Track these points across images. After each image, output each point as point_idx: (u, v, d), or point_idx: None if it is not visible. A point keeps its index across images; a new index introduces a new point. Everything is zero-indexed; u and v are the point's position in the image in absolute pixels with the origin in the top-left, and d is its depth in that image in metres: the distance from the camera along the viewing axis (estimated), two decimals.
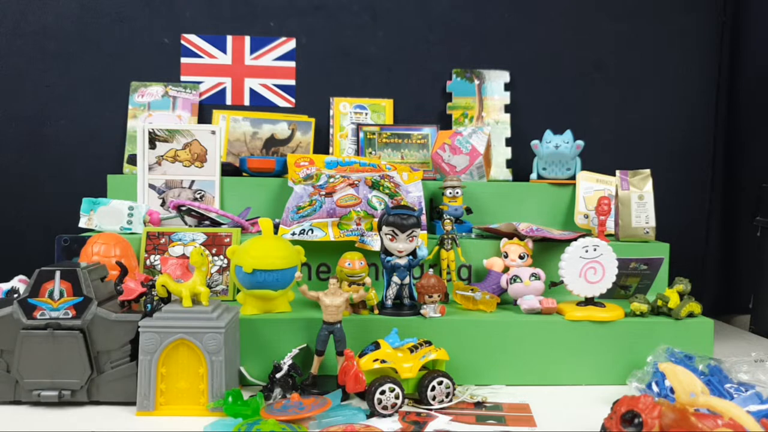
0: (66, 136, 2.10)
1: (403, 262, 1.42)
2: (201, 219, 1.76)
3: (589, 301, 1.46)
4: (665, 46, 2.21)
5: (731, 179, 2.22)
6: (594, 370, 1.41)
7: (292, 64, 2.19)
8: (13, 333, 1.22)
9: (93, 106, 2.11)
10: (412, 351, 1.27)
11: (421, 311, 1.43)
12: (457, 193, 1.76)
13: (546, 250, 1.68)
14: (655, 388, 1.25)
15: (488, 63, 2.20)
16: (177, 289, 1.24)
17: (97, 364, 1.24)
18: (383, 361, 1.24)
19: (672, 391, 1.19)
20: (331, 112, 2.16)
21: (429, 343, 1.31)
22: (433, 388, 1.25)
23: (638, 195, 1.73)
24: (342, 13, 2.18)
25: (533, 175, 1.93)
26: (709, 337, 1.43)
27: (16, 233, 2.07)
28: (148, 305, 1.28)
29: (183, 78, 2.16)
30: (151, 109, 2.10)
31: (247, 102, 2.19)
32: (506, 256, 1.62)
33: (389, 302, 1.46)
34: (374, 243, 1.59)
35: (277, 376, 1.27)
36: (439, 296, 1.44)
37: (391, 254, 1.43)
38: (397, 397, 1.21)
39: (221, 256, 1.62)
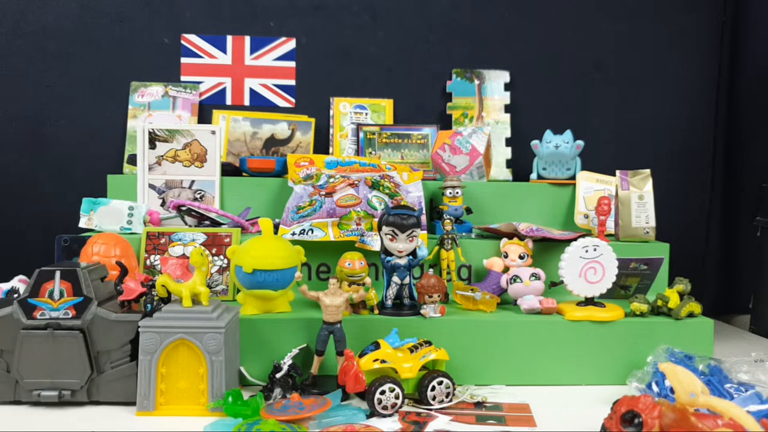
0: (66, 136, 2.10)
1: (403, 262, 1.43)
2: (201, 219, 1.76)
3: (589, 301, 1.46)
4: (665, 46, 2.21)
5: (731, 179, 2.22)
6: (594, 370, 1.41)
7: (292, 64, 2.19)
8: (13, 333, 1.22)
9: (93, 106, 2.11)
10: (412, 351, 1.27)
11: (421, 311, 1.43)
12: (457, 193, 1.76)
13: (546, 250, 1.68)
14: (655, 388, 1.25)
15: (488, 63, 2.20)
16: (177, 289, 1.24)
17: (97, 364, 1.24)
18: (383, 361, 1.24)
19: (672, 391, 1.19)
20: (331, 112, 2.16)
21: (429, 343, 1.31)
22: (433, 388, 1.25)
23: (638, 195, 1.73)
24: (342, 13, 2.18)
25: (533, 175, 1.93)
26: (709, 337, 1.43)
27: (16, 233, 2.07)
28: (148, 305, 1.28)
29: (183, 78, 2.16)
30: (151, 109, 2.10)
31: (247, 102, 2.19)
32: (506, 256, 1.62)
33: (389, 302, 1.46)
34: (374, 243, 1.59)
35: (277, 376, 1.27)
36: (439, 296, 1.44)
37: (391, 254, 1.43)
38: (397, 397, 1.21)
39: (221, 256, 1.62)
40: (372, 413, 1.20)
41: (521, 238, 1.65)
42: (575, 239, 1.46)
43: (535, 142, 1.91)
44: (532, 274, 1.50)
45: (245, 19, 2.17)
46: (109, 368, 1.24)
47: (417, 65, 2.20)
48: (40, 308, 1.22)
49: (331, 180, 1.73)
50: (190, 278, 1.25)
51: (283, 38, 2.18)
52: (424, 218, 1.68)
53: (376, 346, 1.28)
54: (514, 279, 1.51)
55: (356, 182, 1.72)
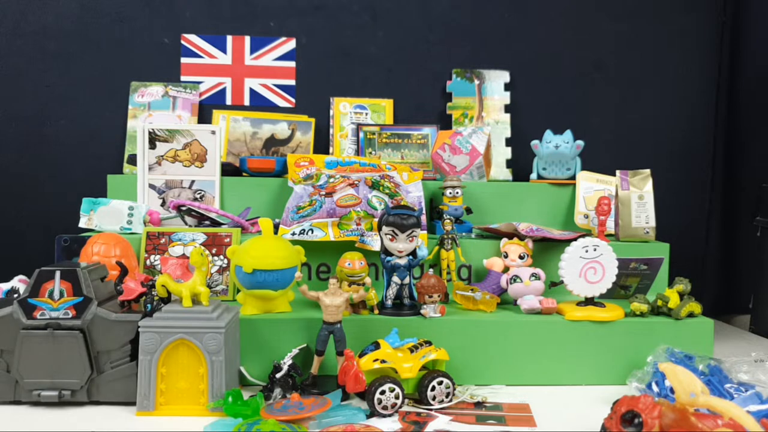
0: (66, 136, 2.10)
1: (403, 262, 1.42)
2: (201, 219, 1.76)
3: (589, 301, 1.46)
4: (665, 46, 2.21)
5: (731, 179, 2.22)
6: (594, 370, 1.41)
7: (292, 64, 2.19)
8: (13, 333, 1.22)
9: (93, 106, 2.11)
10: (412, 351, 1.27)
11: (421, 311, 1.43)
12: (457, 193, 1.76)
13: (546, 250, 1.68)
14: (655, 388, 1.25)
15: (488, 63, 2.20)
16: (177, 289, 1.24)
17: (97, 364, 1.24)
18: (383, 361, 1.24)
19: (672, 391, 1.19)
20: (331, 112, 2.16)
21: (429, 343, 1.31)
22: (433, 388, 1.25)
23: (638, 195, 1.73)
24: (342, 13, 2.18)
25: (533, 175, 1.93)
26: (709, 337, 1.43)
27: (16, 233, 2.07)
28: (148, 305, 1.28)
29: (183, 78, 2.16)
30: (151, 109, 2.10)
31: (247, 102, 2.19)
32: (506, 256, 1.62)
33: (389, 302, 1.46)
34: (374, 243, 1.59)
35: (277, 376, 1.27)
36: (439, 296, 1.44)
37: (391, 254, 1.43)
38: (397, 397, 1.21)
39: (221, 256, 1.62)
40: (372, 413, 1.20)
41: (521, 238, 1.65)
42: (575, 239, 1.46)
43: (535, 142, 1.91)
44: (532, 274, 1.50)
45: (245, 19, 2.17)
46: (109, 368, 1.24)
47: (417, 65, 2.20)
48: (40, 308, 1.22)
49: (331, 180, 1.73)
50: (190, 278, 1.25)
51: (283, 38, 2.18)
52: (424, 218, 1.67)
53: (376, 346, 1.28)
54: (514, 279, 1.51)
55: (356, 182, 1.72)
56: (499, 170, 2.14)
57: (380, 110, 2.18)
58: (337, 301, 1.31)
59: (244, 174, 1.92)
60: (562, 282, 1.44)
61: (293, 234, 1.60)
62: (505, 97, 2.19)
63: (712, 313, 1.86)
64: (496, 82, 2.20)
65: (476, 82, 2.19)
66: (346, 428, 1.13)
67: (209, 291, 1.25)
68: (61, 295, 1.23)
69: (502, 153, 2.16)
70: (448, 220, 1.62)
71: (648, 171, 1.76)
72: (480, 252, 1.68)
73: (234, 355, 1.30)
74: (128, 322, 1.24)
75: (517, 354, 1.40)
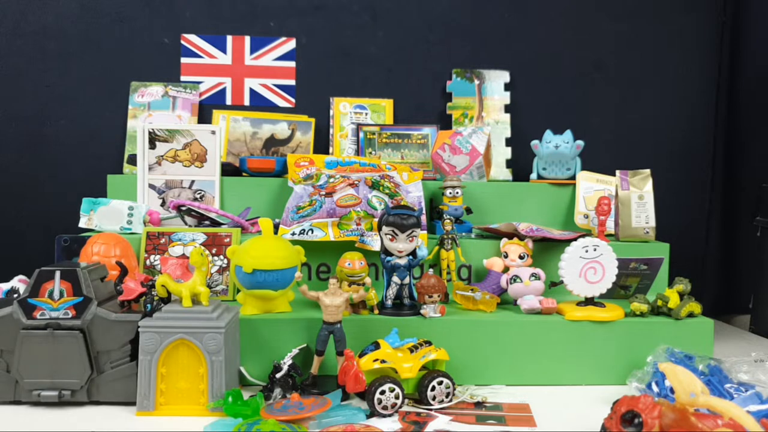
0: (66, 136, 2.10)
1: (403, 262, 1.42)
2: (201, 219, 1.76)
3: (589, 301, 1.46)
4: (665, 46, 2.21)
5: (731, 179, 2.22)
6: (594, 370, 1.41)
7: (292, 64, 2.19)
8: (13, 333, 1.22)
9: (93, 106, 2.11)
10: (412, 351, 1.27)
11: (421, 311, 1.43)
12: (457, 193, 1.76)
13: (546, 250, 1.68)
14: (655, 388, 1.25)
15: (488, 63, 2.20)
16: (177, 289, 1.24)
17: (97, 364, 1.24)
18: (383, 361, 1.24)
19: (672, 391, 1.19)
20: (331, 112, 2.16)
21: (429, 343, 1.31)
22: (433, 388, 1.25)
23: (638, 195, 1.73)
24: (342, 13, 2.18)
25: (533, 175, 1.93)
26: (709, 337, 1.43)
27: (16, 233, 2.07)
28: (148, 305, 1.28)
29: (183, 78, 2.16)
30: (151, 109, 2.10)
31: (247, 102, 2.19)
32: (506, 256, 1.62)
33: (389, 302, 1.46)
34: (374, 243, 1.59)
35: (277, 376, 1.27)
36: (439, 296, 1.44)
37: (391, 254, 1.43)
38: (397, 397, 1.21)
39: (221, 256, 1.62)
40: (372, 413, 1.20)
41: (521, 238, 1.65)
42: (575, 239, 1.46)
43: (535, 142, 1.91)
44: (532, 274, 1.50)
45: (245, 19, 2.17)
46: (109, 368, 1.24)
47: (417, 65, 2.20)
48: (40, 308, 1.22)
49: (331, 180, 1.73)
50: (190, 278, 1.25)
51: (283, 38, 2.18)
52: (424, 218, 1.67)
53: (376, 346, 1.28)
54: (514, 279, 1.51)
55: (356, 182, 1.72)
56: (499, 170, 2.14)
57: (380, 110, 2.18)
58: (337, 301, 1.31)
59: (244, 174, 1.92)
60: (562, 282, 1.44)
61: (293, 234, 1.60)
62: (505, 97, 2.19)
63: (712, 313, 1.86)
64: (496, 82, 2.20)
65: (476, 82, 2.19)
66: (346, 428, 1.13)
67: (209, 291, 1.25)
68: (61, 295, 1.23)
69: (502, 153, 2.16)
70: (448, 220, 1.62)
71: (648, 171, 1.76)
72: (480, 252, 1.68)
73: (234, 355, 1.30)
74: (128, 322, 1.24)
75: (517, 354, 1.40)
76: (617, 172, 1.77)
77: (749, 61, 2.17)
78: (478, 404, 1.27)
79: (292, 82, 2.19)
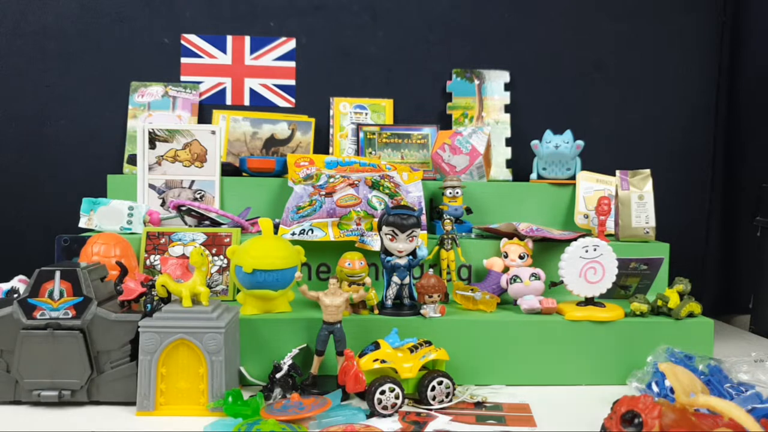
0: (66, 136, 2.10)
1: (403, 262, 1.42)
2: (201, 219, 1.76)
3: (589, 301, 1.46)
4: (665, 46, 2.21)
5: (731, 179, 2.22)
6: (594, 370, 1.41)
7: (292, 64, 2.19)
8: (13, 333, 1.22)
9: (93, 106, 2.11)
10: (412, 351, 1.27)
11: (421, 311, 1.43)
12: (457, 193, 1.76)
13: (546, 250, 1.68)
14: (655, 388, 1.26)
15: (488, 63, 2.20)
16: (177, 289, 1.24)
17: (97, 364, 1.24)
18: (383, 361, 1.24)
19: (672, 391, 1.19)
20: (331, 112, 2.16)
21: (429, 343, 1.31)
22: (433, 388, 1.25)
23: (638, 195, 1.73)
24: (342, 13, 2.18)
25: (533, 175, 1.93)
26: (709, 337, 1.43)
27: (16, 233, 2.07)
28: (148, 305, 1.28)
29: (183, 78, 2.16)
30: (151, 109, 2.10)
31: (247, 102, 2.19)
32: (506, 256, 1.62)
33: (389, 302, 1.46)
34: (374, 243, 1.59)
35: (277, 376, 1.27)
36: (439, 296, 1.44)
37: (391, 254, 1.43)
38: (397, 397, 1.21)
39: (221, 256, 1.62)
40: (372, 413, 1.20)
41: (521, 238, 1.65)
42: (575, 239, 1.46)
43: (535, 142, 1.91)
44: (532, 274, 1.50)
45: (245, 19, 2.17)
46: (109, 368, 1.24)
47: (417, 65, 2.20)
48: (40, 308, 1.22)
49: (331, 180, 1.73)
50: (190, 278, 1.25)
51: (283, 38, 2.18)
52: (424, 218, 1.67)
53: (376, 346, 1.28)
54: (514, 279, 1.51)
55: (356, 182, 1.72)
56: (499, 170, 2.14)
57: (380, 110, 2.18)
58: (337, 301, 1.31)
59: (244, 174, 1.92)
60: (562, 282, 1.44)
61: (293, 234, 1.60)
62: (505, 97, 2.19)
63: (712, 313, 1.86)
64: (496, 82, 2.20)
65: (476, 82, 2.19)
66: (346, 428, 1.13)
67: (209, 291, 1.25)
68: (61, 295, 1.23)
69: (502, 153, 2.16)
70: (448, 220, 1.62)
71: (648, 171, 1.76)
72: (480, 252, 1.68)
73: (234, 355, 1.30)
74: (128, 322, 1.24)
75: (517, 354, 1.40)
76: (617, 172, 1.77)
77: (749, 61, 2.17)
78: (478, 404, 1.27)
79: (292, 82, 2.19)
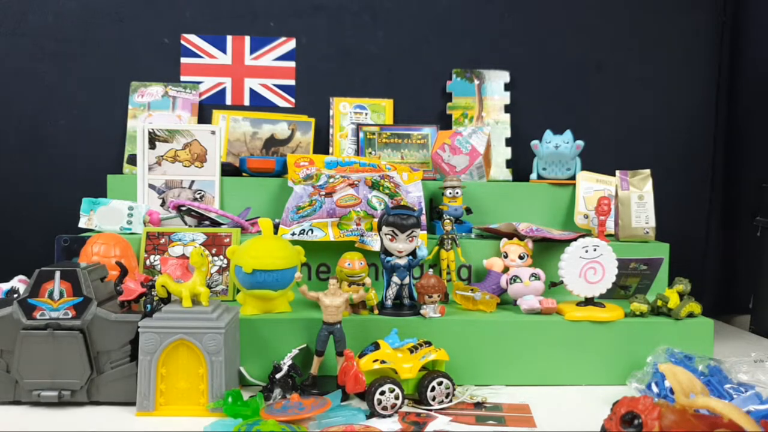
0: (66, 136, 2.10)
1: (403, 262, 1.42)
2: (201, 219, 1.76)
3: (589, 301, 1.46)
4: (665, 46, 2.21)
5: (731, 179, 2.22)
6: (594, 370, 1.41)
7: (292, 64, 2.19)
8: (13, 333, 1.22)
9: (93, 106, 2.11)
10: (411, 351, 1.27)
11: (421, 311, 1.43)
12: (457, 193, 1.76)
13: (546, 250, 1.68)
14: (654, 388, 1.26)
15: (488, 63, 2.20)
16: (177, 289, 1.24)
17: (97, 364, 1.24)
18: (383, 362, 1.24)
19: (672, 391, 1.19)
20: (331, 112, 2.16)
21: (429, 343, 1.31)
22: (433, 389, 1.25)
23: (638, 195, 1.73)
24: (342, 13, 2.17)
25: (533, 175, 1.93)
26: (709, 337, 1.43)
27: (16, 233, 2.07)
28: (148, 305, 1.28)
29: (183, 78, 2.16)
30: (151, 109, 2.10)
31: (247, 102, 2.19)
32: (506, 256, 1.62)
33: (389, 302, 1.46)
34: (374, 243, 1.59)
35: (277, 376, 1.27)
36: (439, 296, 1.44)
37: (391, 254, 1.43)
38: (396, 398, 1.21)
39: (221, 256, 1.62)
40: (372, 414, 1.20)
41: (521, 238, 1.65)
42: (575, 239, 1.46)
43: (535, 142, 1.91)
44: (532, 274, 1.50)
45: (245, 19, 2.17)
46: (109, 368, 1.24)
47: (417, 65, 2.20)
48: (40, 308, 1.22)
49: (331, 180, 1.73)
50: (190, 278, 1.25)
51: (283, 38, 2.18)
52: (424, 218, 1.68)
53: (376, 346, 1.28)
54: (514, 279, 1.51)
55: (356, 182, 1.72)
56: (499, 170, 2.14)
57: (380, 110, 2.17)
58: (337, 301, 1.31)
59: (243, 174, 1.92)
60: (562, 282, 1.44)
61: (293, 234, 1.60)
62: (505, 97, 2.19)
63: (712, 313, 1.86)
64: (496, 82, 2.20)
65: (476, 82, 2.19)
66: (346, 429, 1.13)
67: (209, 291, 1.25)
68: (61, 295, 1.23)
69: (502, 153, 2.16)
70: (448, 220, 1.62)
71: (648, 171, 1.76)
72: (480, 252, 1.68)
73: (234, 356, 1.30)
74: (128, 322, 1.24)
75: (517, 354, 1.40)
76: (617, 172, 1.77)
77: (749, 61, 2.17)
78: (478, 405, 1.28)
79: (292, 82, 2.19)
